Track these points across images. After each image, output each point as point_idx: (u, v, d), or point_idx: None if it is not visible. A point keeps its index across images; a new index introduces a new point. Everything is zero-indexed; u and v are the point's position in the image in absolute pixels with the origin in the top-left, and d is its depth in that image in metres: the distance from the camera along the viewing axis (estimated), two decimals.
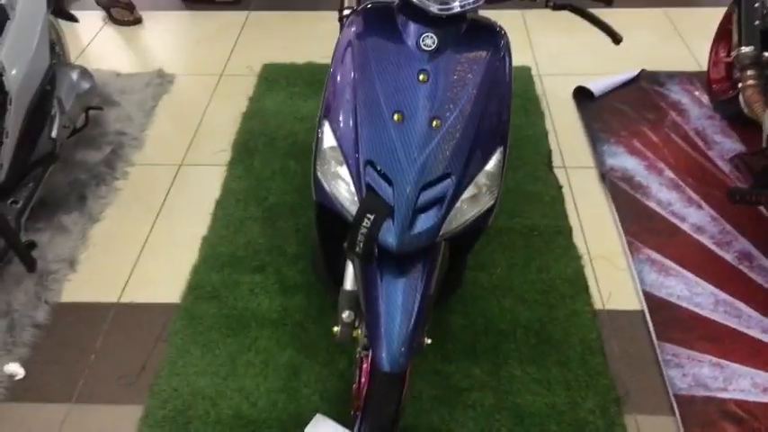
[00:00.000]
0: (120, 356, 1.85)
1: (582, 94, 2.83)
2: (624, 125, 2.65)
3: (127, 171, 2.48)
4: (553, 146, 2.57)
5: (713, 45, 2.81)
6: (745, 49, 2.33)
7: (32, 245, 2.08)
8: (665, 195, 2.32)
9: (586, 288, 1.99)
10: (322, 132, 1.37)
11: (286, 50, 3.18)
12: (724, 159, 2.48)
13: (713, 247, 2.14)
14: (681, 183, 2.37)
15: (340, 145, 1.33)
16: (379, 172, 1.28)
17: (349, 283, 1.50)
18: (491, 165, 1.35)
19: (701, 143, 2.55)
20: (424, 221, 1.28)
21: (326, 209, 1.40)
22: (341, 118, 1.35)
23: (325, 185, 1.36)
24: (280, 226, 2.23)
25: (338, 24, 1.93)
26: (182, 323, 1.90)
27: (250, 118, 2.74)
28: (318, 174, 1.38)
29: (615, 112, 2.73)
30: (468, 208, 1.32)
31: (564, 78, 2.91)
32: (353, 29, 1.43)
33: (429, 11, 1.30)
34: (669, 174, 2.41)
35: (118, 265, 2.10)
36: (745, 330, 1.91)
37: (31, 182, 2.11)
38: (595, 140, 2.58)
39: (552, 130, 2.65)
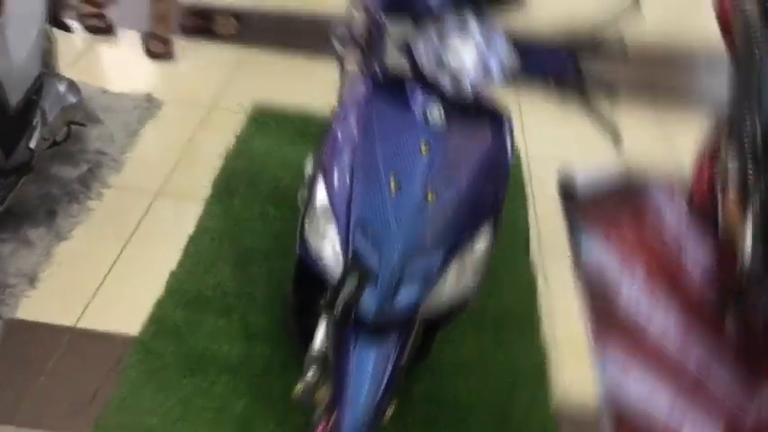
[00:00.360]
0: (71, 382, 1.77)
1: (567, 182, 2.89)
2: (605, 218, 2.71)
3: (102, 192, 2.42)
4: (533, 231, 2.60)
5: (698, 158, 2.91)
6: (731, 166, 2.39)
7: None
8: (635, 295, 2.36)
9: (549, 378, 2.00)
10: (315, 189, 1.37)
11: (280, 92, 3.17)
12: (696, 268, 2.54)
13: (675, 353, 2.18)
14: (652, 285, 2.42)
15: (332, 204, 1.32)
16: (367, 237, 1.27)
17: (319, 341, 1.48)
18: (479, 246, 1.35)
19: (675, 250, 2.61)
20: (406, 294, 1.27)
21: (308, 265, 1.39)
22: (336, 177, 1.35)
23: (311, 243, 1.35)
24: (252, 271, 2.19)
25: (336, 75, 1.95)
26: (138, 357, 1.83)
27: (235, 157, 2.72)
28: (306, 230, 1.37)
29: (597, 203, 2.80)
30: (450, 287, 1.32)
31: (552, 164, 2.96)
32: (360, 88, 1.45)
33: (443, 89, 1.33)
34: (641, 274, 2.46)
35: (80, 288, 2.03)
36: None
37: (1, 190, 2.04)
38: (574, 230, 2.62)
39: (534, 215, 2.69)
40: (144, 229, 2.30)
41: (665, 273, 2.49)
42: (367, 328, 1.29)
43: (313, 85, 3.26)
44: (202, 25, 3.62)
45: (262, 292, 2.12)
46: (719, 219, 2.41)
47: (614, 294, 2.35)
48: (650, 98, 3.61)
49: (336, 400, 1.28)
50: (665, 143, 3.33)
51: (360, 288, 1.24)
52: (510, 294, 2.28)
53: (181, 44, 3.41)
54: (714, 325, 2.29)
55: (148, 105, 2.94)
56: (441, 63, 1.33)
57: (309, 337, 1.65)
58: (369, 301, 1.25)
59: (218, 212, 2.42)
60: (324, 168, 1.38)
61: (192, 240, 2.28)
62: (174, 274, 2.12)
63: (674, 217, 2.81)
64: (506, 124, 1.45)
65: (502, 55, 1.34)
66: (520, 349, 2.06)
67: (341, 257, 1.29)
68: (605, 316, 2.26)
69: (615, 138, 1.48)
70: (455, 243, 1.31)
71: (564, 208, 2.76)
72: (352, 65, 1.66)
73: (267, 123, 2.96)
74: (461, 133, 1.37)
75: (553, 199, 2.82)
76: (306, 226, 1.36)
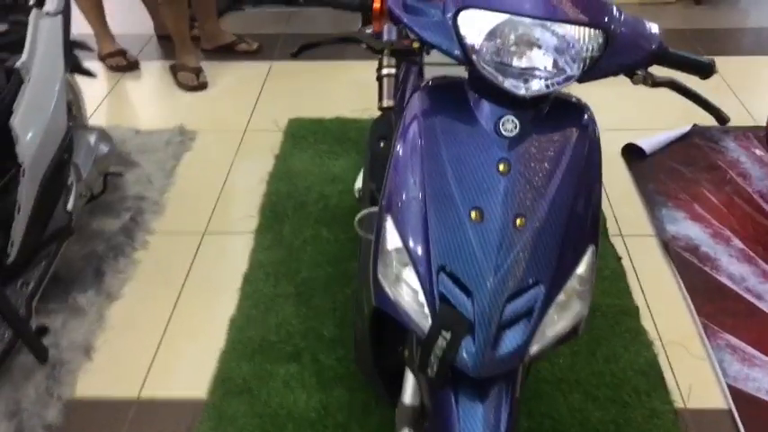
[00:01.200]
0: None
1: (632, 153, 2.64)
2: (682, 186, 2.46)
3: (147, 240, 2.29)
4: (606, 211, 2.37)
5: None
6: None
7: (44, 331, 1.88)
8: (738, 269, 2.11)
9: (663, 382, 1.77)
10: (384, 229, 1.18)
11: (312, 103, 3.02)
12: None
13: None
14: (752, 254, 2.16)
15: (406, 246, 1.13)
16: (454, 280, 1.08)
17: (408, 396, 1.30)
18: (583, 267, 1.14)
19: (767, 207, 2.35)
20: (509, 340, 1.07)
21: (387, 315, 1.21)
22: (407, 214, 1.15)
23: (388, 291, 1.16)
24: (314, 304, 2.03)
25: (367, 75, 1.75)
26: (210, 424, 1.69)
27: (278, 179, 2.56)
28: (380, 277, 1.18)
29: (670, 171, 2.54)
30: (558, 320, 1.12)
31: (612, 134, 2.71)
32: (418, 108, 1.24)
33: (511, 92, 1.12)
34: (738, 243, 2.20)
35: (138, 353, 1.89)
36: None
37: (44, 260, 1.92)
38: (652, 204, 2.38)
39: (603, 193, 2.45)
40: (196, 274, 2.16)
41: (764, 235, 2.22)
42: (467, 381, 1.10)
43: (344, 90, 3.11)
44: (224, 45, 3.48)
45: (328, 326, 1.95)
46: None
47: (714, 271, 2.11)
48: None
49: None
50: (727, 91, 3.04)
51: (455, 342, 1.05)
52: (596, 287, 2.05)
53: (204, 65, 3.26)
54: None
55: (182, 138, 2.81)
56: (508, 64, 1.12)
57: (391, 380, 1.49)
58: (467, 355, 1.06)
59: (268, 243, 2.26)
60: (390, 204, 1.18)
61: (247, 279, 2.12)
62: (233, 322, 1.98)
63: (755, 169, 2.53)
64: (589, 119, 1.23)
65: (574, 47, 1.12)
66: (622, 356, 1.84)
67: (426, 307, 1.10)
68: (710, 298, 2.01)
69: (720, 117, 1.26)
70: (557, 269, 1.11)
71: (635, 179, 2.51)
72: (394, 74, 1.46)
73: (305, 137, 2.80)
74: (542, 142, 1.16)
75: (621, 171, 2.58)
76: (379, 273, 1.18)
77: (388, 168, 1.24)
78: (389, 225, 1.17)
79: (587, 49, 1.11)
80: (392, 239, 1.16)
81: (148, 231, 2.33)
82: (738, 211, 2.34)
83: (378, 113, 2.19)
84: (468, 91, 1.20)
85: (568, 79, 1.12)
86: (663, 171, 2.54)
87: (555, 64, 1.11)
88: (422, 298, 1.10)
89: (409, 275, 1.13)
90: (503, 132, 1.14)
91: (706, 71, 1.28)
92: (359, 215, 1.83)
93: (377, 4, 1.23)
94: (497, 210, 1.09)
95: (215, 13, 3.44)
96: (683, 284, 2.06)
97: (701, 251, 2.18)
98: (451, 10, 1.13)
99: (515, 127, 1.14)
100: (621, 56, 1.16)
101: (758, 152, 2.61)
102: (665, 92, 1.30)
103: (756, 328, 1.93)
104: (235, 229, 2.35)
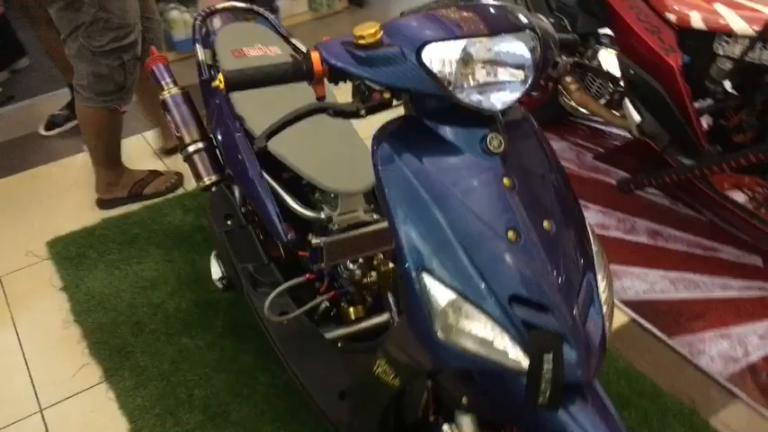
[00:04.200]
0: None
1: None
2: None
3: None
4: None
5: None
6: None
7: None
8: None
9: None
10: (424, 288, 1.09)
11: (59, 216, 2.56)
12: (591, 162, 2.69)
13: (626, 236, 2.31)
14: None
15: (463, 294, 1.08)
16: (527, 303, 1.07)
17: None
18: (597, 244, 1.23)
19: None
20: (593, 332, 1.11)
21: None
22: (447, 264, 1.09)
23: (457, 347, 1.10)
24: (236, 419, 1.78)
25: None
26: None
27: (87, 313, 2.13)
28: (440, 337, 1.10)
29: None
30: (607, 294, 1.19)
31: None
32: (394, 157, 1.17)
33: (490, 110, 1.13)
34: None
35: None
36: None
37: None
38: None
39: None
40: None
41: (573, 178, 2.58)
42: (565, 399, 1.10)
43: (70, 194, 2.71)
44: None
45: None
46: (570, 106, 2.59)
47: None
48: None
49: None
50: None
51: (559, 359, 1.04)
52: None
53: None
54: (630, 201, 2.47)
55: None
56: (480, 84, 1.13)
57: None
58: (572, 364, 1.06)
59: (131, 383, 1.89)
60: (421, 262, 1.10)
61: None
62: None
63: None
64: (530, 119, 1.30)
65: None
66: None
67: (513, 341, 1.06)
68: None
69: None
70: (588, 256, 1.17)
71: None
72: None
73: (82, 255, 2.37)
74: (521, 148, 1.19)
75: None
76: (439, 334, 1.09)
77: (395, 229, 1.15)
78: (431, 282, 1.10)
79: (536, 51, 1.17)
80: (441, 294, 1.09)
81: None
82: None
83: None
84: (433, 124, 1.17)
85: (530, 84, 1.17)
86: None
87: (513, 74, 1.16)
88: (505, 336, 1.07)
89: (477, 321, 1.08)
90: (492, 150, 1.15)
91: (573, 46, 1.44)
92: (268, 300, 1.66)
93: (317, 67, 1.11)
94: (526, 223, 1.10)
95: None
96: None
97: None
98: (411, 50, 1.09)
99: (500, 143, 1.15)
100: (549, 50, 1.25)
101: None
102: None
103: (621, 252, 2.28)
104: (75, 389, 1.91)
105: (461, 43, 1.09)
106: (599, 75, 2.52)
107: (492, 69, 1.13)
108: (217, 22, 2.11)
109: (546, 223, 1.12)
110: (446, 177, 1.12)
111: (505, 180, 1.12)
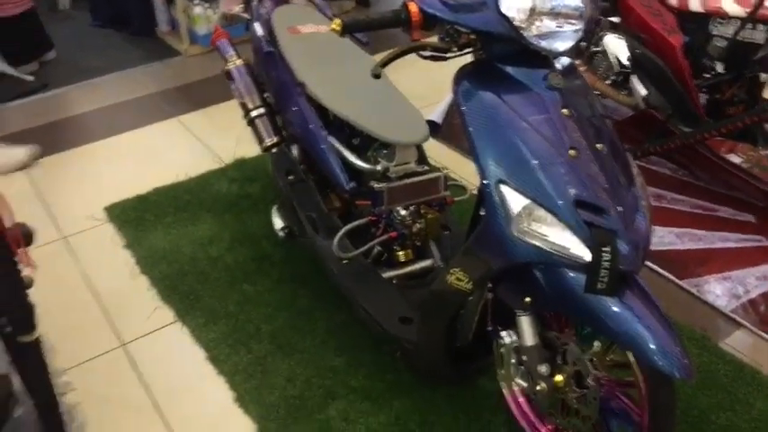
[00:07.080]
0: None
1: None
2: None
3: (67, 381, 1.94)
4: None
5: None
6: None
7: None
8: None
9: None
10: (503, 196, 1.36)
11: (112, 187, 2.76)
12: None
13: None
14: None
15: (536, 200, 1.33)
16: (589, 207, 1.32)
17: (530, 337, 1.51)
18: (635, 167, 1.49)
19: None
20: (640, 231, 1.37)
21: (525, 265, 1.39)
22: (523, 176, 1.35)
23: (528, 244, 1.35)
24: (301, 347, 2.01)
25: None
26: None
27: (152, 265, 2.34)
28: (516, 235, 1.35)
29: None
30: (647, 203, 1.45)
31: None
32: (473, 91, 1.43)
33: (554, 52, 1.39)
34: None
35: None
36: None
37: None
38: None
39: None
40: (153, 385, 1.93)
41: None
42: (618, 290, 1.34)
43: (128, 165, 2.92)
44: None
45: (333, 356, 1.97)
46: None
47: None
48: None
49: (631, 342, 1.31)
50: None
51: (615, 251, 1.30)
52: None
53: None
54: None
55: None
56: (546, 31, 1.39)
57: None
58: (626, 255, 1.31)
59: (202, 320, 2.11)
60: (499, 175, 1.36)
61: (216, 360, 1.98)
62: (245, 403, 1.86)
63: None
64: (578, 68, 1.57)
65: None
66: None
67: (576, 237, 1.31)
68: None
69: None
70: (630, 174, 1.43)
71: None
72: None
73: (140, 218, 2.57)
74: (573, 83, 1.46)
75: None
76: (515, 231, 1.34)
77: (476, 152, 1.40)
78: (509, 191, 1.36)
79: (587, 6, 1.44)
80: (517, 200, 1.35)
81: (56, 374, 1.96)
82: None
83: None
84: (503, 66, 1.43)
85: (583, 32, 1.44)
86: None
87: (571, 23, 1.42)
88: (570, 233, 1.32)
89: (547, 221, 1.34)
90: (554, 85, 1.41)
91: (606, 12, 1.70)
92: (336, 238, 1.90)
93: (415, 17, 1.37)
94: (583, 144, 1.38)
95: None
96: None
97: None
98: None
99: (560, 79, 1.42)
100: (597, 1, 1.52)
101: None
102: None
103: None
104: (152, 327, 2.12)
105: None
106: (606, 57, 2.81)
107: (555, 19, 1.39)
108: (268, 3, 2.34)
109: (599, 145, 1.39)
110: (517, 107, 1.39)
111: (565, 110, 1.39)
